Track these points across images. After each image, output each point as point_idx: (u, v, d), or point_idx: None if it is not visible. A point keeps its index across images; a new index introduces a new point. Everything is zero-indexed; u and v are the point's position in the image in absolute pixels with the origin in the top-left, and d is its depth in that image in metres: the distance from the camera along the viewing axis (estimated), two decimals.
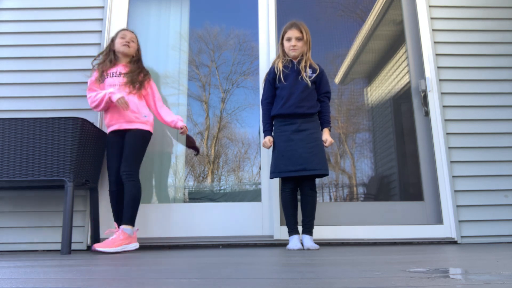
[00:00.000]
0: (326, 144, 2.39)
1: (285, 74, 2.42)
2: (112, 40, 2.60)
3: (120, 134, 2.47)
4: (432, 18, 3.00)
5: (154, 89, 2.64)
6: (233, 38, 3.18)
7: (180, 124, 2.55)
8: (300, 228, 2.36)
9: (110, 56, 2.57)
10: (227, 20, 3.22)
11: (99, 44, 2.93)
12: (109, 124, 2.50)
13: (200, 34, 3.18)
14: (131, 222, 2.33)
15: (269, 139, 2.42)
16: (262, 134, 2.51)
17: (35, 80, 2.86)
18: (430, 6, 3.02)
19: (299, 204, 2.40)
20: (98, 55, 2.63)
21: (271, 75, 2.48)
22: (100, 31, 2.96)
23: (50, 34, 2.95)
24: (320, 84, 2.47)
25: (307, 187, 2.32)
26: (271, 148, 2.48)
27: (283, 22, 3.04)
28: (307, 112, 2.37)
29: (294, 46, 2.42)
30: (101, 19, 2.98)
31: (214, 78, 3.10)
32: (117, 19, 3.04)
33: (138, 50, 2.64)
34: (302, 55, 2.47)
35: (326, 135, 2.41)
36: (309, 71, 2.42)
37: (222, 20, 3.22)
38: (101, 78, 2.51)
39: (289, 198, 2.35)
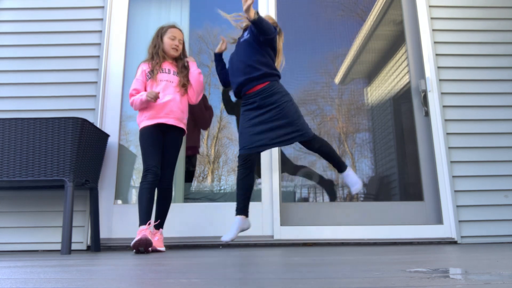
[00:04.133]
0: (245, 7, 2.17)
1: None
2: (161, 37, 2.51)
3: (161, 129, 2.39)
4: (432, 18, 3.00)
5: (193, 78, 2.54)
6: None
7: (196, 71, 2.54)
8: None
9: (157, 54, 2.48)
10: (227, 20, 3.21)
11: (99, 44, 2.93)
12: (154, 116, 2.37)
13: (200, 34, 3.18)
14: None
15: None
16: None
17: (35, 80, 2.87)
18: (430, 6, 3.02)
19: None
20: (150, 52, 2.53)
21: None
22: (100, 31, 2.96)
23: (50, 34, 2.95)
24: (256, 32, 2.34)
25: (316, 141, 2.33)
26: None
27: (283, 22, 3.05)
28: (257, 82, 2.35)
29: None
30: (101, 19, 2.98)
31: (214, 78, 3.10)
32: (117, 19, 3.04)
33: (184, 50, 2.61)
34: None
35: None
36: (245, 33, 2.46)
37: (222, 20, 3.21)
38: (152, 74, 2.44)
39: (239, 177, 2.31)
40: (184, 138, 2.80)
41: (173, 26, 2.56)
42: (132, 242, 2.06)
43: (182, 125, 2.46)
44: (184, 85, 2.48)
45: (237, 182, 2.31)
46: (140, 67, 2.50)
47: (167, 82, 2.44)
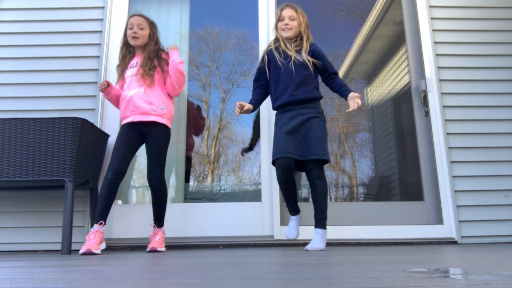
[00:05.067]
0: (356, 107, 2.13)
1: (276, 59, 2.27)
2: (125, 33, 2.44)
3: (135, 127, 2.30)
4: (432, 18, 3.00)
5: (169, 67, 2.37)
6: (233, 38, 3.18)
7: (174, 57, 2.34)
8: (308, 229, 2.35)
9: (126, 51, 2.42)
10: (227, 20, 3.22)
11: (99, 44, 2.93)
12: (123, 116, 2.35)
13: (200, 34, 3.18)
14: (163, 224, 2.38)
15: (244, 104, 2.24)
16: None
17: (35, 80, 2.87)
18: (430, 6, 3.02)
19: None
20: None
21: (260, 67, 2.35)
22: (100, 31, 2.96)
23: (50, 34, 2.95)
24: (323, 64, 2.29)
25: (315, 177, 2.14)
26: (270, 151, 2.45)
27: None
28: (304, 98, 2.21)
29: (286, 24, 2.28)
30: (101, 19, 2.98)
31: (215, 78, 3.11)
32: (117, 20, 3.04)
33: (152, 34, 2.41)
34: (297, 38, 2.32)
35: (352, 99, 2.16)
36: (304, 54, 2.25)
37: (222, 20, 3.22)
38: (121, 76, 2.40)
39: (282, 180, 2.15)
40: (184, 139, 2.79)
41: (132, 15, 2.44)
42: (81, 251, 2.04)
43: (154, 117, 2.28)
44: (148, 73, 2.29)
45: (283, 187, 2.17)
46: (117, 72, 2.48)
47: (131, 77, 2.35)
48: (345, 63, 3.11)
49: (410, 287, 0.81)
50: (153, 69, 2.32)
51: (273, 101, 2.33)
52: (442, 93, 2.87)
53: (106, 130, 2.80)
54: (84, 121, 2.39)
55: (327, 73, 2.32)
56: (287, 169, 2.12)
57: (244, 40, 3.16)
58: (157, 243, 2.29)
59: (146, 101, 2.28)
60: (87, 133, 2.42)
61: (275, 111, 2.36)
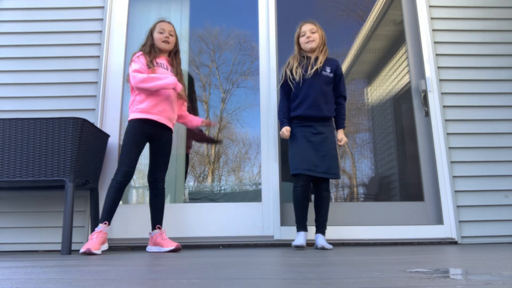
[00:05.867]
0: (342, 143, 2.46)
1: (300, 73, 2.41)
2: (151, 33, 2.50)
3: (147, 127, 2.32)
4: (432, 18, 3.00)
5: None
6: (233, 38, 3.18)
7: (199, 122, 2.58)
8: (309, 229, 2.41)
9: (151, 49, 2.45)
10: (227, 20, 3.22)
11: (99, 44, 2.93)
12: (147, 111, 2.31)
13: (200, 34, 3.18)
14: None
15: (286, 129, 2.40)
16: (278, 127, 2.53)
17: (36, 80, 2.86)
18: (430, 6, 3.02)
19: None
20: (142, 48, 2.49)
21: (283, 84, 2.48)
22: (100, 31, 2.96)
23: (50, 34, 2.95)
24: (339, 84, 2.48)
25: (323, 189, 2.35)
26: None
27: (283, 22, 3.05)
28: (326, 115, 2.40)
29: (309, 37, 2.44)
30: (101, 19, 2.98)
31: (215, 78, 3.10)
32: (117, 19, 3.04)
33: (177, 42, 2.56)
34: (318, 53, 2.46)
35: (342, 135, 2.48)
36: (327, 69, 2.42)
37: (222, 20, 3.22)
38: (152, 65, 2.36)
39: (300, 194, 2.32)
40: (184, 139, 2.79)
41: (162, 20, 2.53)
42: (81, 250, 2.04)
43: (171, 125, 2.44)
44: (181, 94, 2.44)
45: (300, 200, 2.33)
46: (137, 55, 2.39)
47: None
48: (345, 63, 3.11)
49: (410, 287, 0.81)
50: (185, 91, 2.50)
51: (292, 111, 2.45)
52: (442, 93, 2.87)
53: (106, 130, 2.80)
54: (84, 121, 2.39)
55: (337, 94, 2.50)
56: (308, 185, 2.34)
57: (244, 40, 3.16)
58: (165, 242, 2.31)
59: (172, 108, 2.42)
60: (87, 133, 2.42)
61: (293, 119, 2.45)
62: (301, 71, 2.41)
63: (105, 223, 2.16)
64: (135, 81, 2.28)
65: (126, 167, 2.21)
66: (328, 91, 2.42)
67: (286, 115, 2.45)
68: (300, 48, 2.51)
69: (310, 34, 2.44)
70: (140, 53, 2.41)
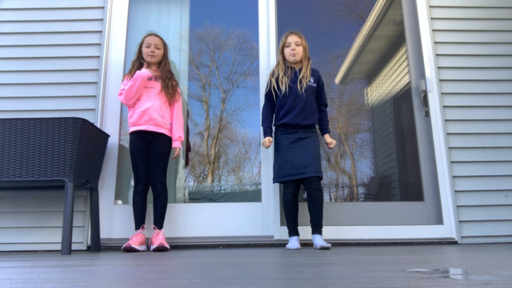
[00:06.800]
0: (332, 146, 2.52)
1: (283, 82, 2.48)
2: (140, 47, 2.64)
3: (145, 136, 2.49)
4: (432, 18, 3.00)
5: (180, 100, 2.68)
6: (233, 38, 3.18)
7: (175, 144, 2.59)
8: (307, 229, 2.42)
9: (140, 63, 2.62)
10: (227, 20, 3.22)
11: (99, 44, 2.93)
12: (136, 123, 2.50)
13: (200, 34, 3.18)
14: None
15: (268, 139, 2.48)
16: (262, 135, 2.53)
17: (36, 81, 2.87)
18: (430, 6, 3.02)
19: (301, 207, 2.47)
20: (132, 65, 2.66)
21: (268, 92, 2.54)
22: (100, 31, 2.96)
23: (50, 35, 2.95)
24: (321, 94, 2.57)
25: (314, 189, 2.35)
26: (270, 152, 2.46)
27: (283, 22, 3.05)
28: (311, 123, 2.47)
29: (294, 49, 2.49)
30: (101, 19, 2.98)
31: (215, 78, 3.11)
32: (117, 20, 3.04)
33: (165, 54, 2.66)
34: (302, 63, 2.53)
35: (329, 138, 2.54)
36: (311, 79, 2.50)
37: (222, 20, 3.22)
38: (131, 76, 2.55)
39: (290, 200, 2.38)
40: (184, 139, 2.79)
41: (149, 34, 2.66)
42: (123, 247, 2.31)
43: (163, 130, 2.53)
44: (167, 92, 2.54)
45: (290, 206, 2.39)
46: (125, 79, 2.61)
47: (149, 89, 2.54)
48: (345, 63, 3.11)
49: (410, 287, 0.81)
50: (172, 89, 2.59)
51: (278, 119, 2.51)
52: (442, 93, 2.87)
53: (106, 130, 2.80)
54: (84, 121, 2.39)
55: (320, 102, 2.57)
56: (297, 190, 2.41)
57: (244, 40, 3.16)
58: (162, 240, 2.37)
59: (160, 115, 2.52)
60: (87, 133, 2.42)
61: (278, 126, 2.52)
62: (287, 81, 2.47)
63: (142, 227, 2.44)
64: (121, 100, 2.57)
65: (142, 179, 2.48)
66: (312, 100, 2.50)
67: (269, 125, 2.53)
68: (284, 58, 2.57)
69: (295, 47, 2.49)
70: (126, 77, 2.60)
